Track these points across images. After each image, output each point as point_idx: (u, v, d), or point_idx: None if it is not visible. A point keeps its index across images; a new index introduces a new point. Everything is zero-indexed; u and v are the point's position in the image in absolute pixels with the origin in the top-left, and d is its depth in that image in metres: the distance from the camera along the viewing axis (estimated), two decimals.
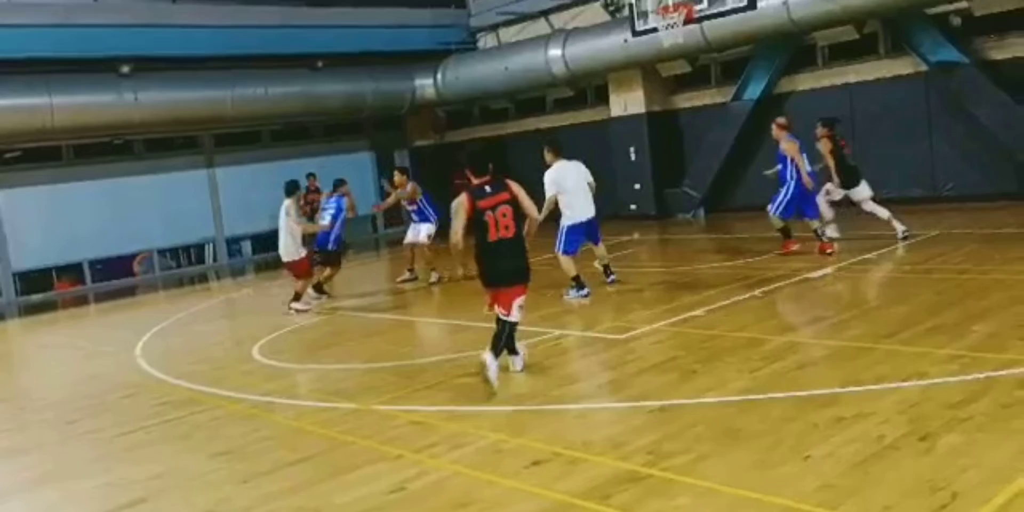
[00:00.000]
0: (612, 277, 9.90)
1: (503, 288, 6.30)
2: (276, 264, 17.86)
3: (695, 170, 16.67)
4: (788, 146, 10.43)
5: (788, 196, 10.42)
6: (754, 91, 15.51)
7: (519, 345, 6.59)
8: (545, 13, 18.12)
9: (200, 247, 18.72)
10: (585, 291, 9.38)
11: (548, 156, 9.41)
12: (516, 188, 6.45)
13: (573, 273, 9.43)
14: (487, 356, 5.98)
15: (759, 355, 6.25)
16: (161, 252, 18.15)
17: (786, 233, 10.69)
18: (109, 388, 7.70)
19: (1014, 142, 12.95)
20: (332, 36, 17.57)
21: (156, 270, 18.02)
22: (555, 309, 9.02)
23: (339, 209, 11.59)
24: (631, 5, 13.76)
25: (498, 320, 6.27)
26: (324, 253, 11.72)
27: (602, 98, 17.96)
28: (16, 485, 5.33)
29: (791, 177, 10.44)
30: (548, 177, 9.26)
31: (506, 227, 6.28)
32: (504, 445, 4.93)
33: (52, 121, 14.91)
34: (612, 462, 4.45)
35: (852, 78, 14.78)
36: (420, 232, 12.07)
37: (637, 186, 17.15)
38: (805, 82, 15.40)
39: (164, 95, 16.02)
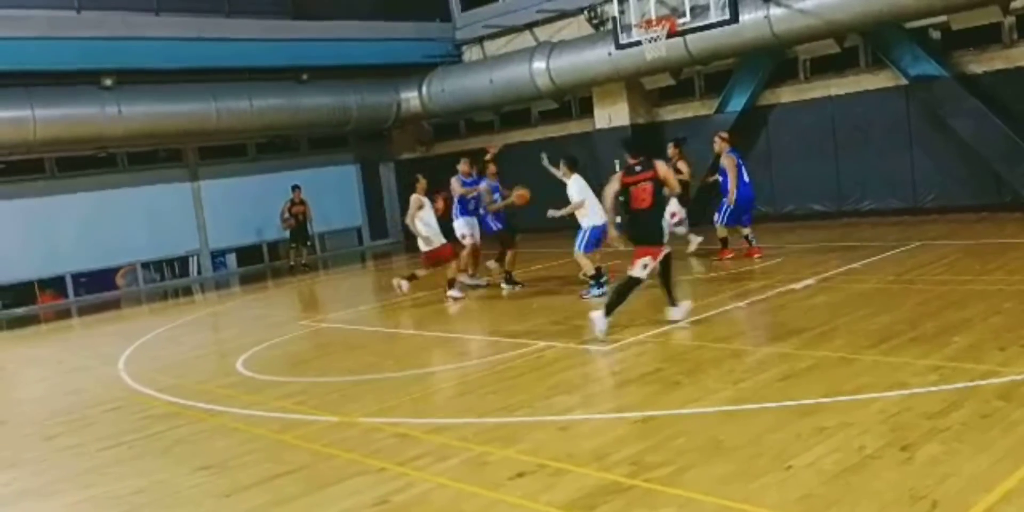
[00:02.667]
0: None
1: (636, 246, 7.85)
2: (261, 277, 17.90)
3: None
4: (727, 160, 11.30)
5: (729, 206, 11.24)
6: (737, 103, 15.63)
7: (680, 297, 8.10)
8: (530, 26, 18.21)
9: (184, 260, 18.62)
10: (604, 288, 9.82)
11: (564, 169, 10.12)
12: (663, 170, 7.85)
13: (591, 270, 9.95)
14: (595, 314, 7.58)
15: (743, 366, 6.28)
16: (145, 265, 18.03)
17: (725, 242, 11.49)
18: (91, 402, 7.64)
19: (993, 155, 13.10)
20: (317, 49, 17.59)
21: (140, 283, 17.91)
22: (540, 320, 9.04)
23: (494, 187, 11.42)
24: (615, 18, 13.84)
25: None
26: (498, 235, 11.51)
27: (587, 110, 18.05)
28: None
29: (731, 189, 11.24)
30: (576, 186, 10.04)
31: (643, 200, 7.76)
32: (488, 457, 4.92)
33: (35, 134, 14.83)
34: (596, 473, 4.45)
35: (834, 91, 14.93)
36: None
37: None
38: (788, 95, 15.55)
39: (148, 108, 15.96)
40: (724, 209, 11.31)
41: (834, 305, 8.10)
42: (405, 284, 11.27)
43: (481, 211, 11.52)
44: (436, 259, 11.12)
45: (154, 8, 16.07)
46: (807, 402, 5.24)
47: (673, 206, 11.88)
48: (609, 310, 7.61)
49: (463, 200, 11.63)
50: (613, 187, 7.92)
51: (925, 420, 4.69)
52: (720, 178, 11.52)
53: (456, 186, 11.56)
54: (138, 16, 15.84)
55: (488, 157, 11.84)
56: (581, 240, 10.03)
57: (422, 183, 11.20)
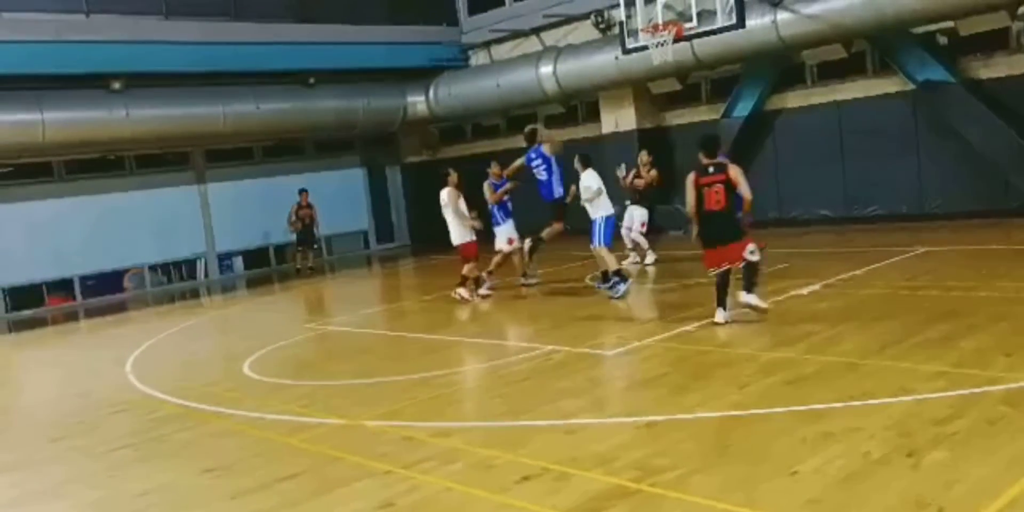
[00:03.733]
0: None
1: (709, 249, 7.92)
2: (267, 280, 17.93)
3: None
4: None
5: None
6: (744, 108, 15.62)
7: (756, 290, 7.95)
8: (537, 30, 18.23)
9: (191, 263, 18.69)
10: (629, 282, 10.01)
11: (579, 165, 10.34)
12: (733, 173, 7.78)
13: (615, 266, 9.96)
14: (745, 297, 7.79)
15: (749, 370, 6.28)
16: (152, 268, 18.11)
17: None
18: (99, 404, 7.67)
19: (1001, 160, 13.08)
20: (324, 53, 17.64)
21: (147, 286, 17.98)
22: (547, 324, 9.05)
23: (546, 158, 10.82)
24: (621, 23, 13.87)
25: (747, 264, 7.78)
26: (554, 205, 11.07)
27: (593, 115, 18.07)
28: (2, 504, 5.30)
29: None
30: (591, 177, 10.25)
31: (717, 202, 7.77)
32: (494, 461, 4.93)
33: (43, 137, 14.91)
34: (601, 477, 4.46)
35: (840, 96, 14.91)
36: (501, 237, 11.46)
37: (628, 202, 17.23)
38: (794, 100, 15.54)
39: (156, 111, 16.04)
40: None
41: (840, 310, 8.09)
42: (464, 291, 11.03)
43: (543, 177, 10.87)
44: (467, 253, 11.05)
45: (162, 12, 16.14)
46: (813, 407, 5.23)
47: (643, 216, 12.49)
48: (752, 288, 7.84)
49: (503, 204, 11.37)
50: (693, 194, 7.90)
51: (931, 426, 4.68)
52: None
53: (488, 192, 11.29)
54: (146, 20, 15.90)
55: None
56: (599, 233, 10.01)
57: (454, 176, 11.08)
